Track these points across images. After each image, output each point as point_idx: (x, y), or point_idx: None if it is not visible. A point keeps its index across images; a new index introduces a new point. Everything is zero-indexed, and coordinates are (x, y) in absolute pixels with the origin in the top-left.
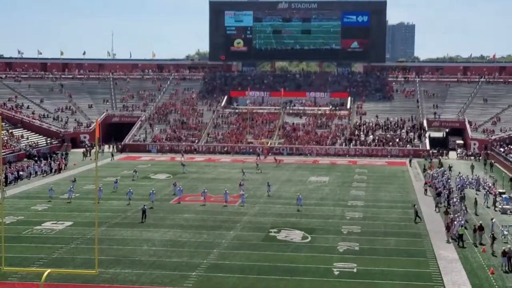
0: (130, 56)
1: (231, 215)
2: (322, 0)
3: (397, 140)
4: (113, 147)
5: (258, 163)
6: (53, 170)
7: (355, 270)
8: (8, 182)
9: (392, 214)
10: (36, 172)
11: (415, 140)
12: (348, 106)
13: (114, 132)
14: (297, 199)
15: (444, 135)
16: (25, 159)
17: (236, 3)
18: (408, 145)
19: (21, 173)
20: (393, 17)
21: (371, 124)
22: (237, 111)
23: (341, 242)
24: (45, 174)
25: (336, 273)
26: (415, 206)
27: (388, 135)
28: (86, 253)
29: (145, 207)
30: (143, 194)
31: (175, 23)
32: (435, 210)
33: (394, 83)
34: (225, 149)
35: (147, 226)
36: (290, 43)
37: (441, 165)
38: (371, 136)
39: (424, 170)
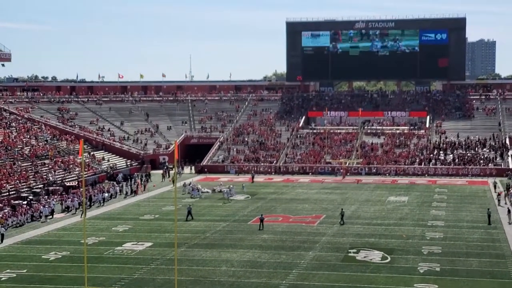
0: (208, 78)
1: (309, 235)
2: (400, 18)
3: (478, 159)
4: (191, 168)
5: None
6: (132, 192)
7: None
8: (92, 203)
9: (474, 234)
10: (116, 194)
11: (497, 159)
12: (427, 125)
13: (192, 153)
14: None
15: None
16: (106, 181)
17: (313, 23)
18: (490, 164)
19: (105, 194)
20: (472, 34)
21: (451, 143)
22: (315, 131)
23: (421, 263)
24: (125, 196)
25: None
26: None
27: (468, 154)
28: (166, 273)
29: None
30: (221, 215)
31: (252, 44)
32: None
33: (474, 101)
34: (304, 169)
35: (225, 246)
36: (367, 63)
37: None
38: (451, 155)
39: (508, 189)
